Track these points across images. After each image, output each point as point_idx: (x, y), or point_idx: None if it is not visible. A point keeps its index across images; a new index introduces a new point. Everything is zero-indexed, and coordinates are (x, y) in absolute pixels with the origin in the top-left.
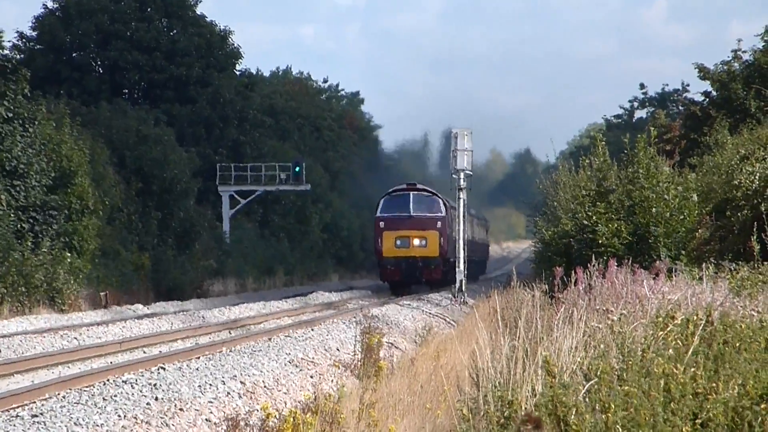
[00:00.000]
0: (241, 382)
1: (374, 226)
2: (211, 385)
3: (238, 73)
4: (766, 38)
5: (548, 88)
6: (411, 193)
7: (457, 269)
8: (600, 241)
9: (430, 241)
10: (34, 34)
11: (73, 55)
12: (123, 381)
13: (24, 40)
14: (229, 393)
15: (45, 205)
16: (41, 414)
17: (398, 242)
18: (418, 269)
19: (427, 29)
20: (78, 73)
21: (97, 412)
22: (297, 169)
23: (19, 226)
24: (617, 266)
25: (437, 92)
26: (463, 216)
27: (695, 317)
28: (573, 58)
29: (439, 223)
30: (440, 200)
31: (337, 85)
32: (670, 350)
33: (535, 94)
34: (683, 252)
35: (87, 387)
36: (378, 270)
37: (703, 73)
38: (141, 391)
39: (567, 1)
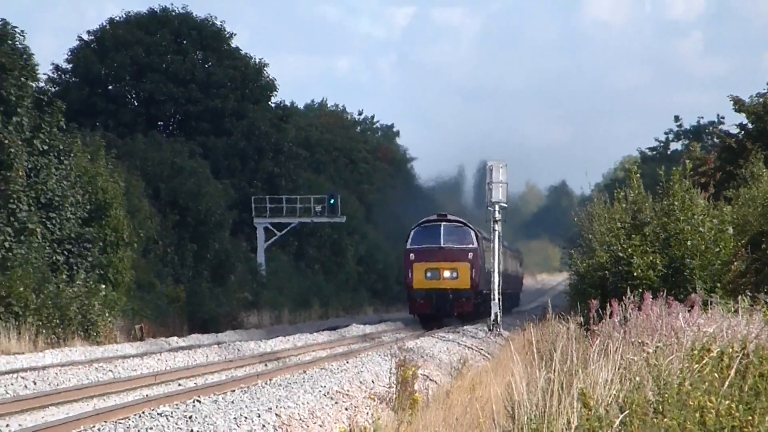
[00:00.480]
0: (276, 415)
1: (404, 257)
2: (246, 417)
3: (273, 105)
4: None
5: (583, 120)
6: (442, 224)
7: (492, 302)
8: (635, 274)
9: (462, 273)
10: (69, 66)
11: (109, 87)
12: (158, 414)
13: (59, 72)
14: (264, 426)
15: (80, 238)
16: None
17: (429, 274)
18: (448, 302)
19: (462, 61)
20: (113, 106)
21: None
22: (332, 201)
23: (54, 258)
24: (652, 299)
25: (472, 124)
26: (499, 248)
27: (731, 350)
28: (608, 90)
29: (470, 255)
30: (472, 231)
31: (372, 117)
32: (706, 383)
33: (569, 126)
34: (719, 284)
35: (122, 420)
36: (408, 302)
37: (739, 105)
38: (176, 424)
39: (602, 32)
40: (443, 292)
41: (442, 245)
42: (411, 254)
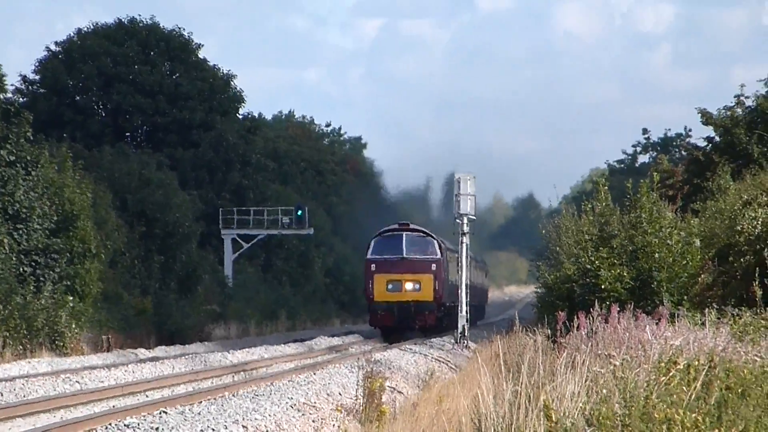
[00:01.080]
0: (244, 427)
1: (365, 268)
2: (213, 429)
3: (240, 117)
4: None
5: (552, 133)
6: (404, 233)
7: (459, 314)
8: (602, 286)
9: (424, 285)
10: (37, 77)
11: (76, 98)
12: (125, 425)
13: (27, 83)
14: None
15: (47, 249)
16: None
17: (390, 286)
18: (411, 314)
19: (432, 73)
20: (81, 117)
21: None
22: (299, 213)
23: (21, 269)
24: (620, 311)
25: (441, 136)
26: (467, 260)
27: (697, 362)
28: (577, 103)
29: (433, 266)
30: (435, 241)
31: (340, 129)
32: (673, 396)
33: (538, 139)
34: (686, 297)
35: (89, 431)
36: (369, 314)
37: (706, 118)
38: None
39: (572, 45)
40: (405, 305)
41: (404, 256)
42: (372, 265)
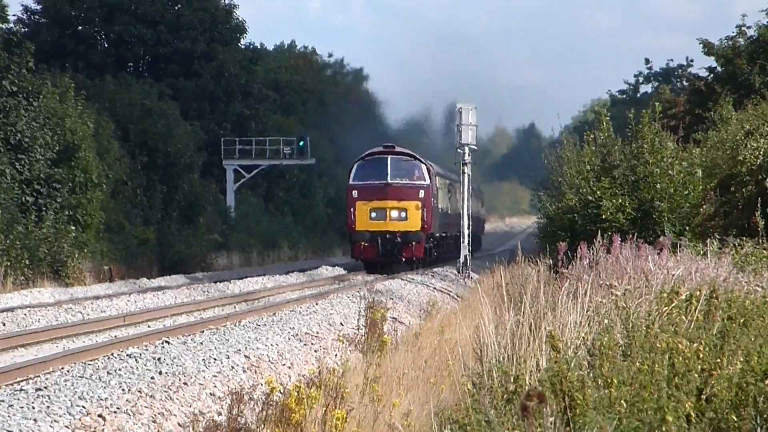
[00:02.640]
0: (246, 356)
1: (346, 195)
2: (215, 359)
3: (242, 47)
4: None
5: (553, 62)
6: (389, 156)
7: (462, 244)
8: (604, 217)
9: (411, 214)
10: (39, 7)
11: (78, 28)
12: (127, 355)
13: (29, 13)
14: (233, 367)
15: (49, 179)
16: (45, 388)
17: (373, 214)
18: (396, 246)
19: (434, 3)
20: (83, 47)
21: (102, 386)
22: (301, 143)
23: (23, 199)
24: (621, 241)
25: (442, 67)
26: (468, 190)
27: (699, 292)
28: (579, 31)
29: (421, 193)
30: (423, 165)
31: (342, 60)
32: (674, 326)
33: (540, 69)
34: (687, 227)
35: (91, 361)
36: (350, 245)
37: (708, 48)
38: (145, 365)
39: None
40: (390, 235)
41: (388, 181)
42: (353, 191)
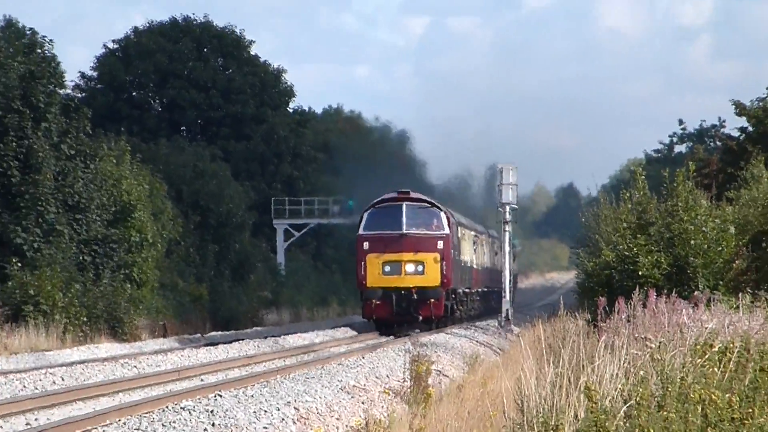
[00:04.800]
0: (295, 408)
1: (356, 246)
2: (266, 411)
3: (291, 110)
4: None
5: (592, 125)
6: (404, 203)
7: (503, 299)
8: (640, 272)
9: (429, 267)
10: (95, 74)
11: (133, 93)
12: (181, 408)
13: (86, 79)
14: (283, 419)
15: (106, 239)
16: None
17: (387, 268)
18: (412, 303)
19: (477, 68)
20: (137, 111)
21: None
22: (350, 203)
23: (81, 258)
24: (657, 296)
25: (484, 129)
26: (510, 248)
27: (732, 345)
28: (618, 96)
29: (440, 243)
30: (442, 213)
31: (388, 123)
32: (708, 377)
33: (579, 131)
34: (721, 282)
35: (146, 413)
36: (361, 303)
37: (740, 109)
38: (198, 418)
39: (614, 41)
40: (406, 292)
41: (404, 231)
42: (364, 243)
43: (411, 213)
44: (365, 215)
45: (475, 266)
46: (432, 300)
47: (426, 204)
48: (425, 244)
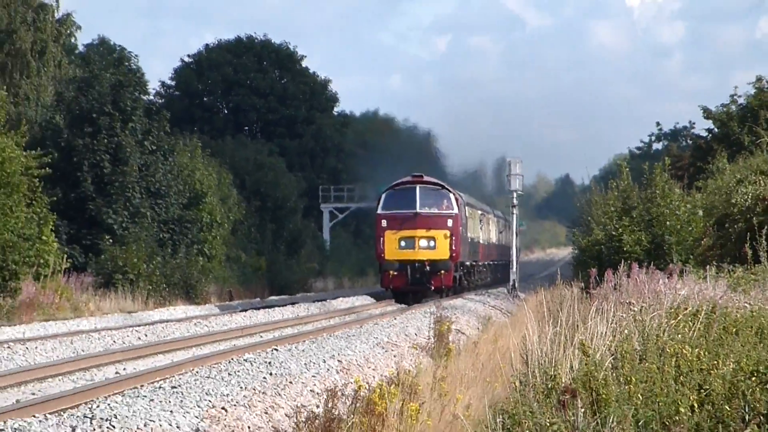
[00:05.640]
0: (339, 361)
1: (375, 224)
2: (314, 363)
3: (335, 113)
4: (756, 86)
5: (585, 125)
6: (417, 186)
7: (510, 270)
8: (625, 248)
9: (440, 243)
10: (173, 83)
11: (204, 99)
12: (244, 360)
13: (165, 88)
14: (328, 369)
15: (181, 219)
16: (179, 386)
17: (402, 243)
18: (425, 275)
19: (490, 78)
20: (208, 114)
21: (224, 384)
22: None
23: (161, 236)
24: (639, 268)
25: (495, 127)
26: (516, 226)
27: (700, 308)
28: (605, 101)
29: (449, 222)
30: (451, 194)
31: (415, 124)
32: (680, 335)
33: (574, 130)
34: (691, 256)
35: (215, 364)
36: (380, 274)
37: (707, 113)
38: (258, 368)
39: (602, 55)
40: (419, 264)
41: (417, 210)
42: (383, 220)
43: (424, 194)
44: (383, 196)
45: (481, 242)
46: (442, 271)
47: (437, 186)
48: (436, 222)
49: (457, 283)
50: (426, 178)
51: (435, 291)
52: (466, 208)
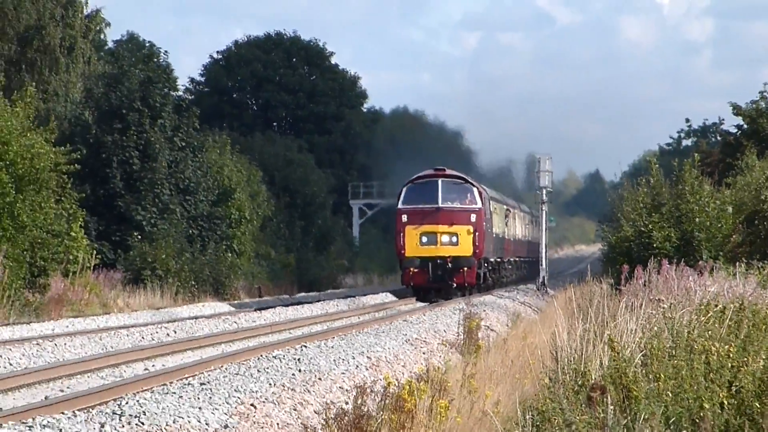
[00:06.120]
0: (368, 357)
1: (396, 219)
2: (343, 359)
3: (365, 110)
4: None
5: (613, 121)
6: (439, 179)
7: (540, 266)
8: (654, 245)
9: (462, 238)
10: (202, 79)
11: (233, 95)
12: (273, 356)
13: (194, 84)
14: (357, 366)
15: (210, 216)
16: (208, 382)
17: (423, 239)
18: (447, 272)
19: (519, 74)
20: (237, 110)
21: (253, 381)
22: None
23: (190, 232)
24: (669, 265)
25: (524, 123)
26: (545, 223)
27: (730, 305)
28: (635, 97)
29: (473, 217)
30: (475, 188)
31: (445, 121)
32: (710, 332)
33: (603, 126)
34: (721, 253)
35: (244, 361)
36: (400, 271)
37: (737, 110)
38: (287, 365)
39: (631, 52)
40: (441, 260)
41: (439, 205)
42: (403, 215)
43: (446, 188)
44: (404, 190)
45: (507, 237)
46: (465, 268)
47: (460, 180)
48: (459, 217)
49: (481, 281)
50: (448, 172)
51: (457, 289)
52: (491, 202)
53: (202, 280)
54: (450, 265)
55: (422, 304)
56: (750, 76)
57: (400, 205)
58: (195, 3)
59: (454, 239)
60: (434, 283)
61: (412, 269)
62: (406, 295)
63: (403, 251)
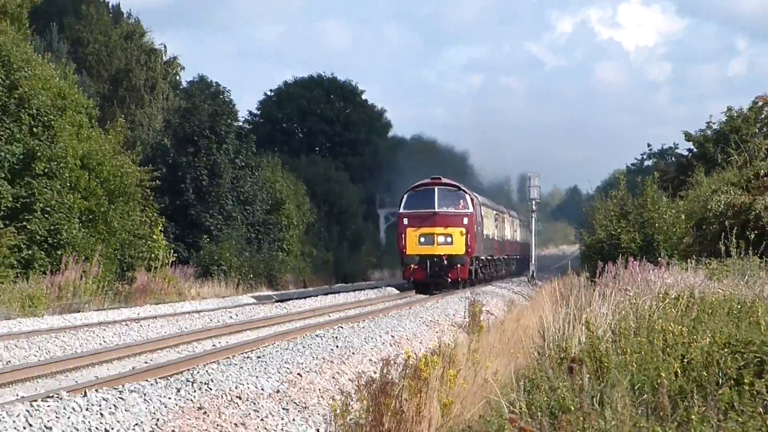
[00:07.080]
0: (392, 336)
1: (397, 222)
2: (372, 338)
3: (389, 137)
4: (727, 114)
5: (590, 145)
6: (436, 187)
7: (530, 263)
8: (622, 245)
9: (456, 239)
10: (258, 112)
11: (283, 125)
12: (315, 335)
13: (252, 116)
14: (384, 343)
15: (265, 222)
16: (263, 356)
17: (422, 239)
18: (443, 268)
19: (515, 108)
20: (286, 137)
21: (299, 355)
22: None
23: (249, 235)
24: (633, 261)
25: (518, 148)
26: (535, 227)
27: (683, 294)
28: (608, 126)
29: (465, 220)
30: (467, 195)
31: (453, 146)
32: (666, 315)
33: (581, 149)
34: (676, 252)
35: (292, 339)
36: (402, 268)
37: (688, 136)
38: (327, 342)
39: (604, 89)
40: (437, 258)
41: (436, 210)
42: (404, 219)
43: (441, 195)
44: (405, 197)
45: (496, 238)
46: (458, 265)
47: (454, 188)
48: (453, 220)
49: (473, 276)
50: (444, 180)
51: (452, 283)
52: (482, 207)
53: (258, 274)
54: (445, 262)
55: (422, 296)
56: (700, 109)
57: (401, 210)
58: (253, 51)
59: (449, 240)
60: (431, 278)
61: (412, 266)
62: (407, 288)
63: (404, 250)
